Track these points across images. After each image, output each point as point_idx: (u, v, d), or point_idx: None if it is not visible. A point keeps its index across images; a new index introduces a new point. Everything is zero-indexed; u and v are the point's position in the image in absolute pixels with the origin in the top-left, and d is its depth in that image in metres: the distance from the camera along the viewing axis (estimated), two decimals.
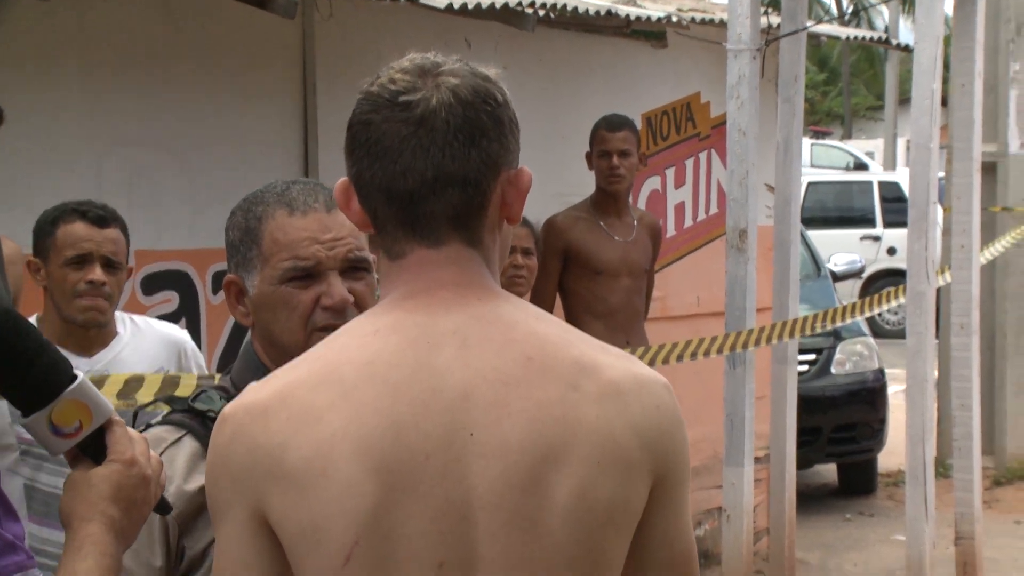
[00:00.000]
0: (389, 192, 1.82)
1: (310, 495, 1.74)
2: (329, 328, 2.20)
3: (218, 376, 3.23)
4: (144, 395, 3.72)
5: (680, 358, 6.02)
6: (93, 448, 1.95)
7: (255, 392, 1.82)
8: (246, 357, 2.43)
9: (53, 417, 1.91)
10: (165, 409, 2.41)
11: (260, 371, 2.28)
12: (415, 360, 1.78)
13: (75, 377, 1.93)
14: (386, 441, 1.74)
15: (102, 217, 3.88)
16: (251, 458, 1.77)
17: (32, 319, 3.94)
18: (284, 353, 2.24)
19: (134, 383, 3.80)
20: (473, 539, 1.75)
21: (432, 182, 1.80)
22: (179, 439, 2.33)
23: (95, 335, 3.93)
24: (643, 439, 1.81)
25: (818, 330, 6.96)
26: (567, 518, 1.76)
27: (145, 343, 4.00)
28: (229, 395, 2.34)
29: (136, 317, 4.09)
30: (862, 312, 7.20)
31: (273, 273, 2.36)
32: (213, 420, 2.30)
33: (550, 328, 1.85)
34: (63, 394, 1.91)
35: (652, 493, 1.82)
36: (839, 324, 7.24)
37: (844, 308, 7.04)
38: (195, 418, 2.34)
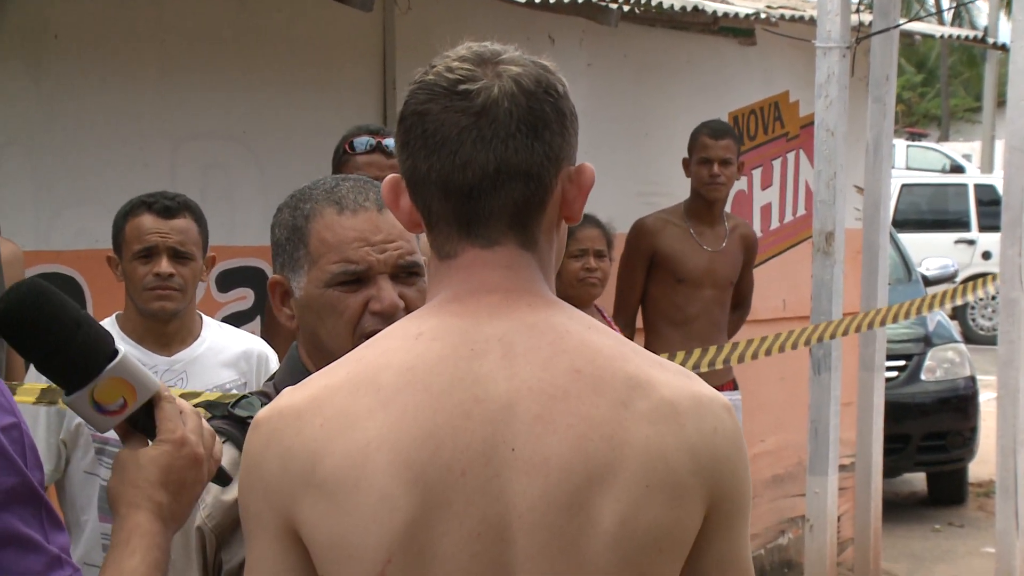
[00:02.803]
0: (446, 186, 1.71)
1: (343, 507, 1.65)
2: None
3: None
4: None
5: (768, 352, 5.88)
6: (144, 423, 1.88)
7: (290, 396, 1.73)
8: (290, 363, 2.33)
9: (95, 395, 1.84)
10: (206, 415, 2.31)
11: (303, 377, 2.18)
12: (456, 368, 1.68)
13: (116, 353, 1.85)
14: (424, 453, 1.64)
15: (168, 208, 3.81)
16: (283, 465, 1.69)
17: (112, 317, 3.90)
18: (330, 359, 2.12)
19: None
20: (511, 561, 1.65)
21: (494, 175, 1.70)
22: None
23: (174, 333, 3.86)
24: (698, 462, 1.69)
25: (902, 320, 6.78)
26: (611, 542, 1.65)
27: (226, 351, 3.91)
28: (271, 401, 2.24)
29: (224, 325, 4.03)
30: (950, 301, 6.98)
31: (321, 275, 2.25)
32: None
33: (604, 340, 1.73)
34: (103, 371, 1.83)
35: (707, 519, 1.71)
36: (926, 313, 7.03)
37: (933, 297, 6.83)
38: (235, 425, 2.25)
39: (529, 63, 1.75)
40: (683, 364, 5.45)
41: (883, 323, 6.46)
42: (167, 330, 3.85)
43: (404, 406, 1.66)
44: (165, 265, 3.77)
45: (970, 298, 7.06)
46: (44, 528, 1.74)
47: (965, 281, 18.55)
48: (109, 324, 3.87)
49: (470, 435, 1.66)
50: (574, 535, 1.65)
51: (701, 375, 1.94)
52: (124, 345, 3.79)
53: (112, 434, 3.88)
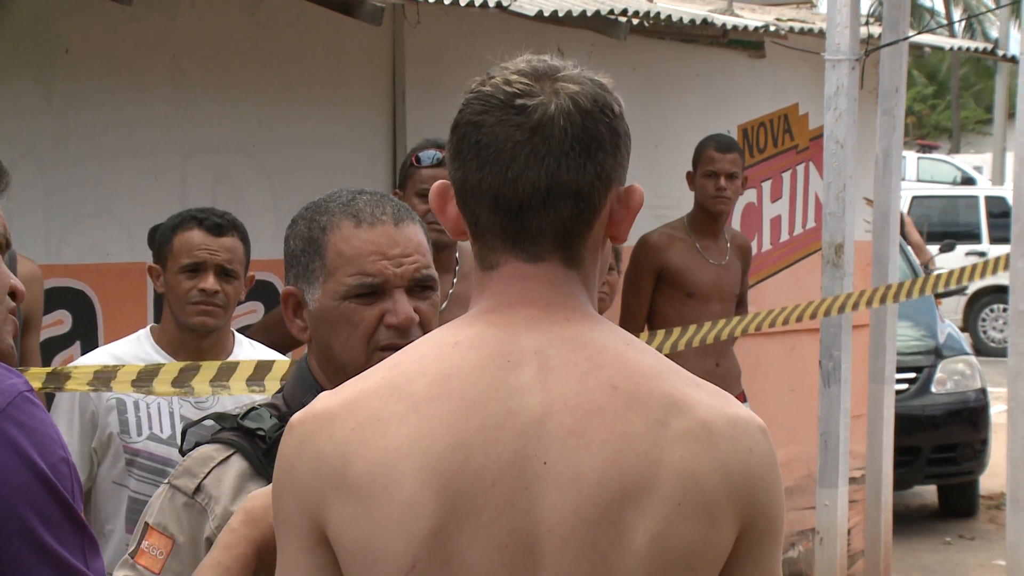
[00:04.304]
0: (496, 200, 1.72)
1: (370, 511, 1.65)
2: (392, 347, 2.13)
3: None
4: (272, 379, 3.67)
5: (786, 321, 5.89)
6: None
7: (326, 399, 1.74)
8: (299, 374, 2.34)
9: None
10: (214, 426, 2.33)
11: (313, 390, 2.19)
12: (492, 378, 1.69)
13: None
14: (455, 461, 1.65)
15: (218, 225, 3.86)
16: (315, 467, 1.69)
17: (147, 329, 3.94)
18: (342, 371, 2.16)
19: (263, 368, 3.76)
20: (538, 574, 1.65)
21: (544, 193, 1.71)
22: (227, 458, 2.26)
23: (208, 349, 3.89)
24: (731, 483, 1.69)
25: (916, 296, 6.80)
26: (642, 560, 1.65)
27: None
28: (280, 413, 2.26)
29: (256, 343, 4.05)
30: (960, 280, 6.96)
31: (337, 288, 2.27)
32: (262, 439, 2.23)
33: (642, 357, 1.73)
34: None
35: (739, 540, 1.71)
36: (940, 290, 7.04)
37: (949, 273, 6.83)
38: (244, 436, 2.26)
39: (587, 81, 1.75)
40: (689, 339, 5.45)
41: (895, 299, 6.45)
42: (202, 345, 3.88)
43: (437, 413, 1.67)
44: (211, 282, 3.80)
45: (981, 280, 7.03)
46: (85, 555, 1.85)
47: (975, 293, 18.60)
48: (144, 336, 3.92)
49: (502, 446, 1.66)
50: (605, 551, 1.65)
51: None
52: (157, 356, 3.82)
53: (143, 445, 3.95)
